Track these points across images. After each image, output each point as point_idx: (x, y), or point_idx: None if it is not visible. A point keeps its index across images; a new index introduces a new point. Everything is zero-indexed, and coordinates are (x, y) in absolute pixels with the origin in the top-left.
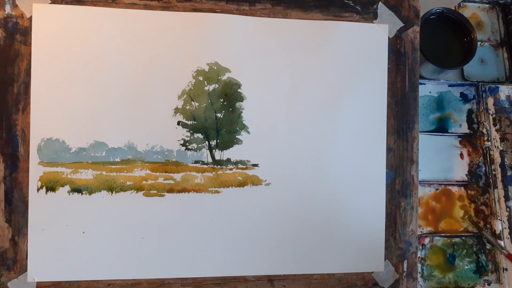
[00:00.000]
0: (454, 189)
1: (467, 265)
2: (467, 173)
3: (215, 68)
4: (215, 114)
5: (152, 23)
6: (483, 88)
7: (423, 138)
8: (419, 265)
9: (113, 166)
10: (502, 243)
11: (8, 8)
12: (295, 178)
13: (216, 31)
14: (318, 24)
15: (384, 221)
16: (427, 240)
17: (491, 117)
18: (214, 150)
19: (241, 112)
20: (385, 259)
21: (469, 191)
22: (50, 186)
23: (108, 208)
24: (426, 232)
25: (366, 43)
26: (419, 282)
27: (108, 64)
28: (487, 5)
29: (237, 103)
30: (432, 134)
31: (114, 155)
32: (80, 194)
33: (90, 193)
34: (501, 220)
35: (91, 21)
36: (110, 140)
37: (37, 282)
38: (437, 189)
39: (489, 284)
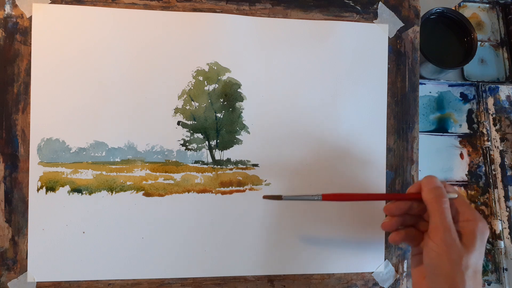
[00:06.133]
0: None
1: None
2: (467, 173)
3: (215, 68)
4: (215, 114)
5: (152, 23)
6: (483, 88)
7: (423, 138)
8: None
9: (113, 166)
10: (502, 243)
11: (8, 8)
12: (295, 178)
13: (216, 31)
14: (318, 24)
15: None
16: None
17: (491, 117)
18: (214, 150)
19: (241, 112)
20: (385, 259)
21: (469, 191)
22: (50, 186)
23: (108, 208)
24: None
25: (366, 43)
26: None
27: (108, 64)
28: (487, 5)
29: (237, 103)
30: (432, 134)
31: (114, 155)
32: (80, 194)
33: (90, 193)
34: (501, 220)
35: (91, 21)
36: (110, 140)
37: (37, 282)
38: None
39: (489, 284)
